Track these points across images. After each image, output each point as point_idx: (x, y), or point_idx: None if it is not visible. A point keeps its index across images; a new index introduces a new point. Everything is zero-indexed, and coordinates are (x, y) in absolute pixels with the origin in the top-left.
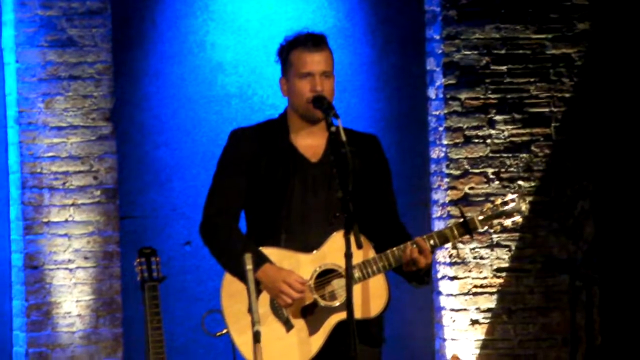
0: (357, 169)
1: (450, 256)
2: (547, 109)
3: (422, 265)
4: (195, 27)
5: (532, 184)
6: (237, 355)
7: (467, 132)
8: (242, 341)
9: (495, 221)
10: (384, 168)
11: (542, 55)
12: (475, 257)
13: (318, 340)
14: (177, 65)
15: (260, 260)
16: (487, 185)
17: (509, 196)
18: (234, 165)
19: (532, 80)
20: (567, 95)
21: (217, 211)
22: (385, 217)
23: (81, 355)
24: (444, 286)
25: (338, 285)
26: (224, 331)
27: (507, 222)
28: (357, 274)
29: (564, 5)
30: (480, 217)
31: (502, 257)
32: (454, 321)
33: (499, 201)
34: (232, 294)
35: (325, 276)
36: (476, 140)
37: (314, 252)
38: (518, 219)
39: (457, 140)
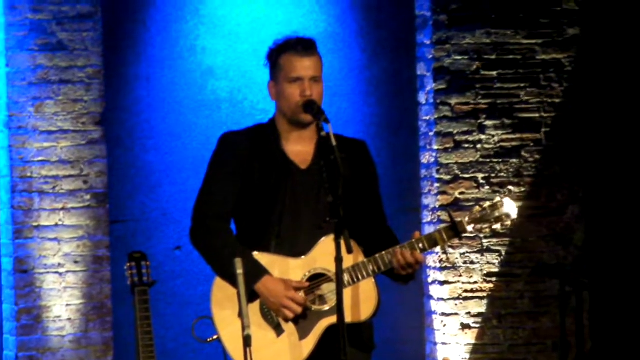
0: (346, 174)
1: (440, 261)
2: (537, 114)
3: (415, 269)
4: (186, 32)
5: (522, 189)
6: None
7: (457, 137)
8: (233, 346)
9: (484, 224)
10: (373, 173)
11: (533, 61)
12: (465, 262)
13: (308, 344)
14: (167, 70)
15: (259, 272)
16: (477, 191)
17: (498, 199)
18: (225, 169)
19: (522, 85)
20: (557, 100)
21: (209, 214)
22: (373, 222)
23: (71, 359)
24: (434, 291)
25: (328, 289)
26: (215, 337)
27: (496, 226)
28: (346, 278)
29: (554, 10)
30: (469, 220)
31: (492, 262)
32: (444, 325)
33: (487, 204)
34: (222, 299)
35: (314, 280)
36: (466, 146)
37: (304, 256)
38: (507, 222)
39: (448, 145)
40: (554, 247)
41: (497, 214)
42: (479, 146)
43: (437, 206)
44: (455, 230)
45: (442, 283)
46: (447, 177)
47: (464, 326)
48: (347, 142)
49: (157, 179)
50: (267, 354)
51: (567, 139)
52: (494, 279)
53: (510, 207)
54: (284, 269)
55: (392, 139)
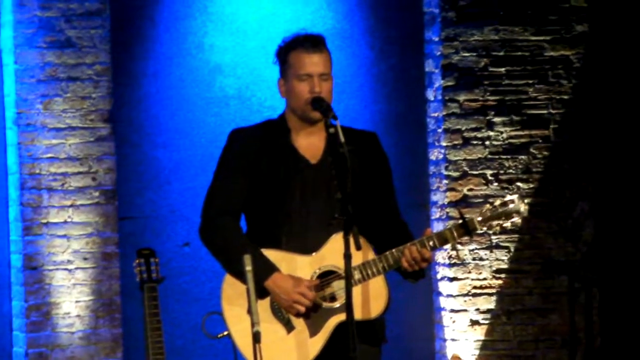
0: (356, 169)
1: (449, 257)
2: (545, 111)
3: (423, 267)
4: (194, 29)
5: (531, 185)
6: (238, 357)
7: (465, 134)
8: (243, 343)
9: (495, 222)
10: (384, 165)
11: (541, 57)
12: (474, 259)
13: (318, 341)
14: (175, 67)
15: (269, 269)
16: (485, 187)
17: (508, 197)
18: (235, 165)
19: (530, 82)
20: (565, 97)
21: (218, 211)
22: (386, 216)
23: (81, 355)
24: (443, 287)
25: (338, 286)
26: (225, 333)
27: (507, 223)
28: (357, 275)
29: (562, 7)
30: (480, 218)
31: (501, 259)
32: (453, 322)
33: (498, 202)
34: (232, 296)
35: (325, 278)
36: (475, 142)
37: (313, 253)
38: (517, 220)
39: (456, 142)
40: (563, 244)
41: (507, 211)
42: (487, 143)
43: (446, 203)
44: (466, 228)
45: (451, 279)
46: (456, 174)
47: (473, 322)
48: (357, 134)
49: (165, 176)
50: (278, 351)
51: (576, 135)
52: (503, 275)
53: (521, 205)
54: (293, 266)
55: (400, 136)
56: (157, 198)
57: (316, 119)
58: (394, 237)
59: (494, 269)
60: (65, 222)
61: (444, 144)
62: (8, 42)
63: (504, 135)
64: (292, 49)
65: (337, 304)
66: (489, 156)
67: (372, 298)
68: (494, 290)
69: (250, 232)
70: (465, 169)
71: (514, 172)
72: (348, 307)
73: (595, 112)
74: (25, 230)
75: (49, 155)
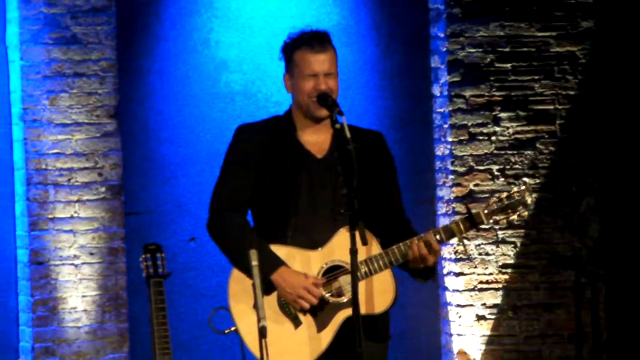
0: (361, 167)
1: (455, 252)
2: (551, 107)
3: (430, 262)
4: (200, 25)
5: (537, 181)
6: (245, 352)
7: (471, 130)
8: (250, 338)
9: (501, 215)
10: (389, 165)
11: (547, 53)
12: (480, 254)
13: (326, 336)
14: (181, 63)
15: (276, 263)
16: (492, 182)
17: (515, 189)
18: (242, 160)
19: (536, 77)
20: (571, 92)
21: (226, 206)
22: (390, 214)
23: (87, 350)
24: (449, 282)
25: (345, 281)
26: (232, 328)
27: (513, 216)
28: (363, 269)
29: (568, 3)
30: (486, 211)
31: (507, 254)
32: (459, 317)
33: (504, 195)
34: (239, 291)
35: (332, 272)
36: (481, 138)
37: (321, 248)
38: (524, 212)
39: (462, 138)
40: (569, 239)
41: (514, 204)
42: (493, 138)
43: (452, 198)
44: (472, 221)
45: (458, 274)
46: (462, 169)
47: (479, 317)
48: (363, 134)
49: (171, 171)
50: (285, 346)
51: (582, 130)
52: (509, 270)
53: (527, 197)
54: (301, 261)
55: (407, 132)
56: (163, 193)
57: (322, 116)
58: (399, 236)
59: (500, 264)
60: (72, 217)
61: (450, 139)
62: (14, 38)
63: (510, 130)
64: (297, 47)
65: (344, 299)
66: (495, 151)
67: (380, 293)
68: (500, 285)
69: (257, 226)
70: (472, 164)
71: (520, 167)
72: (354, 302)
73: (601, 108)
74: (31, 225)
75: (55, 150)
